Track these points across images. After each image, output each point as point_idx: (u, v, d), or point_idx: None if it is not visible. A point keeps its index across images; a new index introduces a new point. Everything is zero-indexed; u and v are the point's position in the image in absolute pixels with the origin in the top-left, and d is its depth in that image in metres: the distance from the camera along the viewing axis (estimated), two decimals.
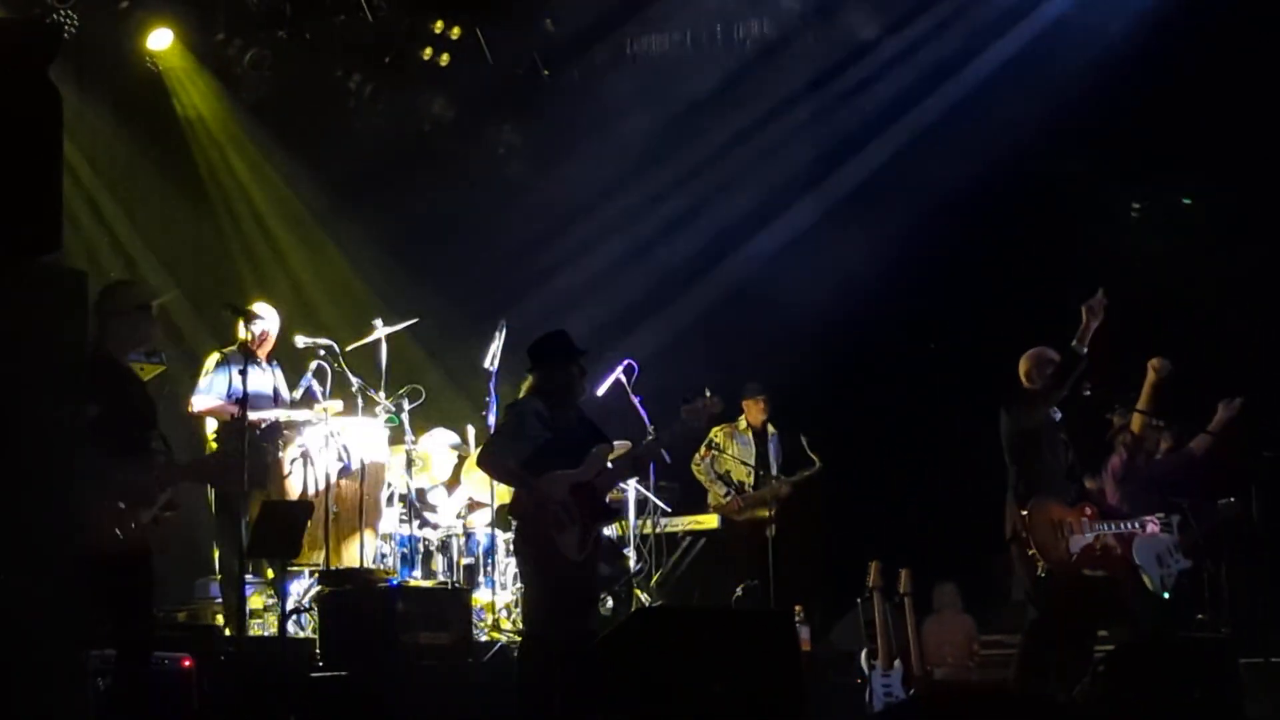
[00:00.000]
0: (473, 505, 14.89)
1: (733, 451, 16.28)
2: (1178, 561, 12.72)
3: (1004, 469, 12.03)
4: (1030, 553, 11.74)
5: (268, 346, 13.82)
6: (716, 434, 16.33)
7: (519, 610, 14.09)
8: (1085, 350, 11.78)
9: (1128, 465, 13.31)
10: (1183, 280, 16.58)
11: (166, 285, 15.49)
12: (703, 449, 16.25)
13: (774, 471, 16.30)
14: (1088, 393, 12.92)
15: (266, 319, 13.61)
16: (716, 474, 16.17)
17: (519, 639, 13.51)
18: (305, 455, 13.56)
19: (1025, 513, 11.77)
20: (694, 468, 16.31)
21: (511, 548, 12.50)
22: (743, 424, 16.45)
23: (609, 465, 11.48)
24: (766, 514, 15.84)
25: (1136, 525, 12.30)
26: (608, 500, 12.00)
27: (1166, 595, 12.70)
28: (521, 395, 11.46)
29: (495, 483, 13.58)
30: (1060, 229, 17.18)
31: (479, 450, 12.07)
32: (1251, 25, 16.27)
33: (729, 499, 16.06)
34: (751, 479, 16.20)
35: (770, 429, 16.48)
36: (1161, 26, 16.55)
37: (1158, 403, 13.22)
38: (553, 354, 11.40)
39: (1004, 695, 12.94)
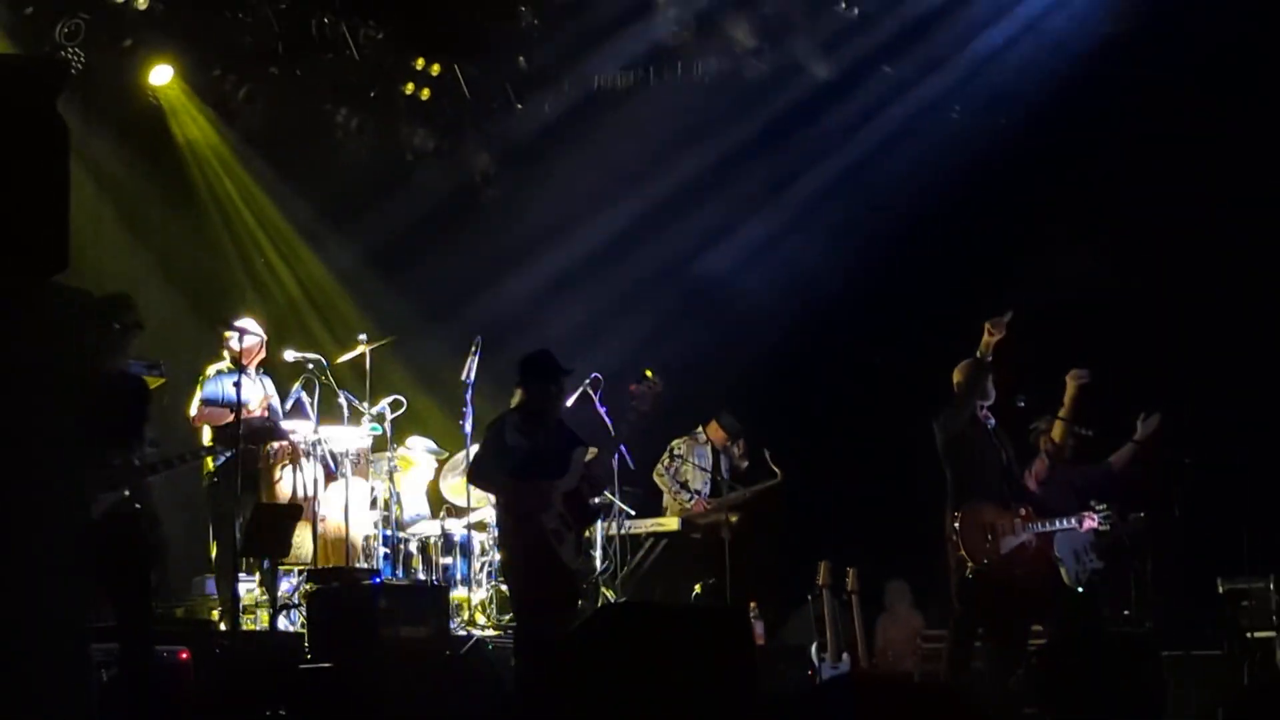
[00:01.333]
0: (450, 509, 14.91)
1: (692, 460, 16.29)
2: (1091, 560, 12.74)
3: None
4: (959, 554, 11.76)
5: (256, 357, 13.84)
6: (678, 444, 16.35)
7: (494, 606, 14.13)
8: (989, 359, 11.81)
9: (1049, 471, 13.30)
10: (1112, 295, 16.63)
11: (169, 302, 15.56)
12: (665, 458, 16.27)
13: (724, 485, 16.25)
14: (1022, 404, 12.96)
15: (252, 332, 13.63)
16: (678, 482, 16.17)
17: (496, 632, 13.58)
18: (295, 462, 13.57)
19: (956, 515, 11.79)
20: (656, 476, 16.31)
21: (497, 549, 12.43)
22: (703, 438, 16.44)
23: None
24: (727, 519, 15.86)
25: (1074, 521, 12.32)
26: (594, 502, 12.12)
27: (1080, 590, 12.72)
28: (512, 405, 11.55)
29: (472, 488, 13.65)
30: (999, 247, 17.22)
31: (469, 467, 12.06)
32: (1167, 63, 16.40)
33: (693, 503, 16.05)
34: (707, 487, 16.22)
35: (735, 449, 16.47)
36: (1097, 60, 16.65)
37: (1079, 411, 13.21)
38: (534, 372, 11.49)
39: (911, 685, 13.07)
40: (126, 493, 9.79)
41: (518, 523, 11.26)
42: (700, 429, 16.46)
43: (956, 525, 11.77)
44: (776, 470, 15.80)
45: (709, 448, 16.42)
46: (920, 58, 17.51)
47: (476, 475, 11.83)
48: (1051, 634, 12.55)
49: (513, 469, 11.19)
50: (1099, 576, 13.10)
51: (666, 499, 16.33)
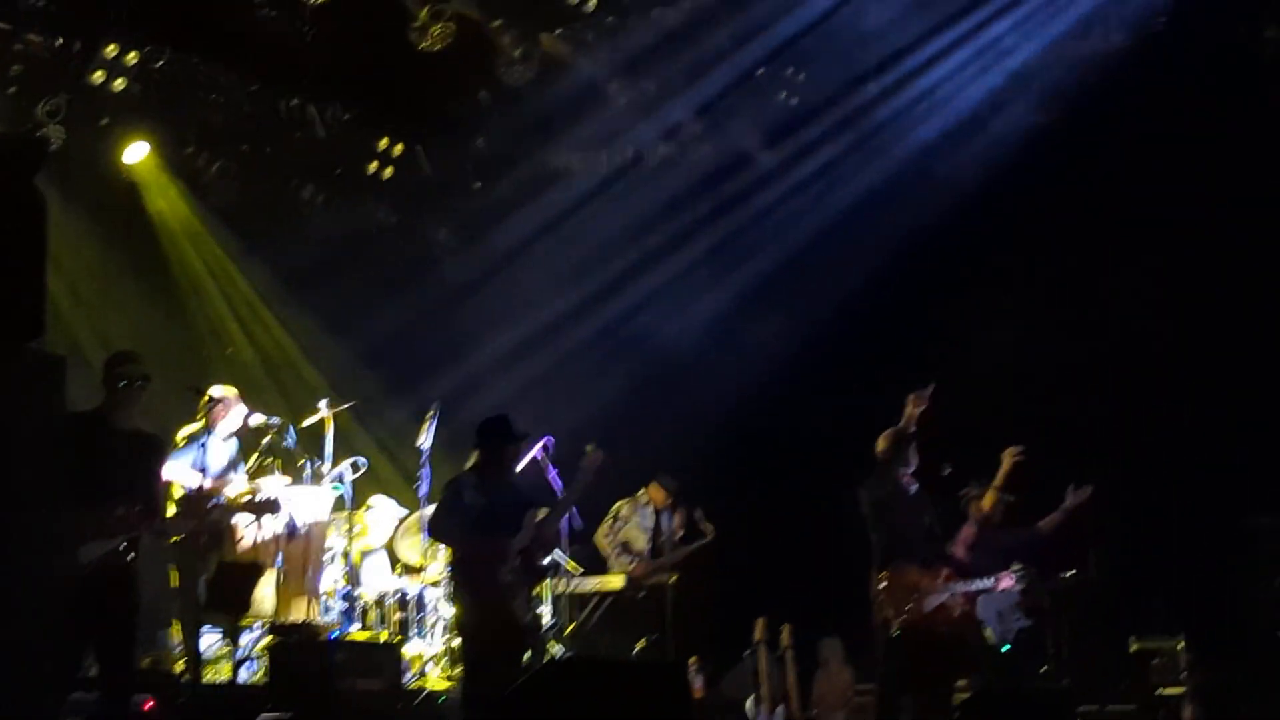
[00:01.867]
0: (407, 568, 14.98)
1: (634, 521, 16.38)
2: (1018, 620, 12.86)
3: None
4: (885, 613, 11.91)
5: (229, 424, 13.90)
6: (621, 507, 16.45)
7: (445, 661, 14.17)
8: (911, 430, 12.00)
9: (978, 536, 13.47)
10: (1036, 372, 16.85)
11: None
12: (609, 521, 16.37)
13: (667, 545, 16.36)
14: (948, 471, 13.13)
15: (226, 399, 13.72)
16: (620, 544, 16.26)
17: (446, 685, 13.61)
18: (257, 521, 13.61)
19: (882, 576, 11.94)
20: (598, 539, 16.39)
21: (453, 605, 12.43)
22: (644, 499, 16.53)
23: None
24: (670, 579, 15.98)
25: (992, 581, 12.46)
26: (543, 561, 12.23)
27: (1006, 648, 12.83)
28: (467, 466, 11.66)
29: (430, 545, 13.76)
30: (927, 322, 17.44)
31: (429, 522, 12.13)
32: (1087, 152, 16.71)
33: (633, 565, 16.14)
34: (649, 548, 16.30)
35: (668, 510, 16.55)
36: (1024, 149, 16.96)
37: (1011, 483, 13.41)
38: (492, 435, 11.61)
39: None
40: (123, 544, 9.85)
41: (472, 578, 11.34)
42: (642, 491, 16.56)
43: (882, 585, 11.92)
44: (708, 529, 15.90)
45: (650, 509, 16.51)
46: (857, 147, 17.74)
47: (434, 530, 11.89)
48: (974, 689, 12.66)
49: (470, 525, 11.28)
50: (1025, 635, 13.21)
51: (610, 561, 16.42)
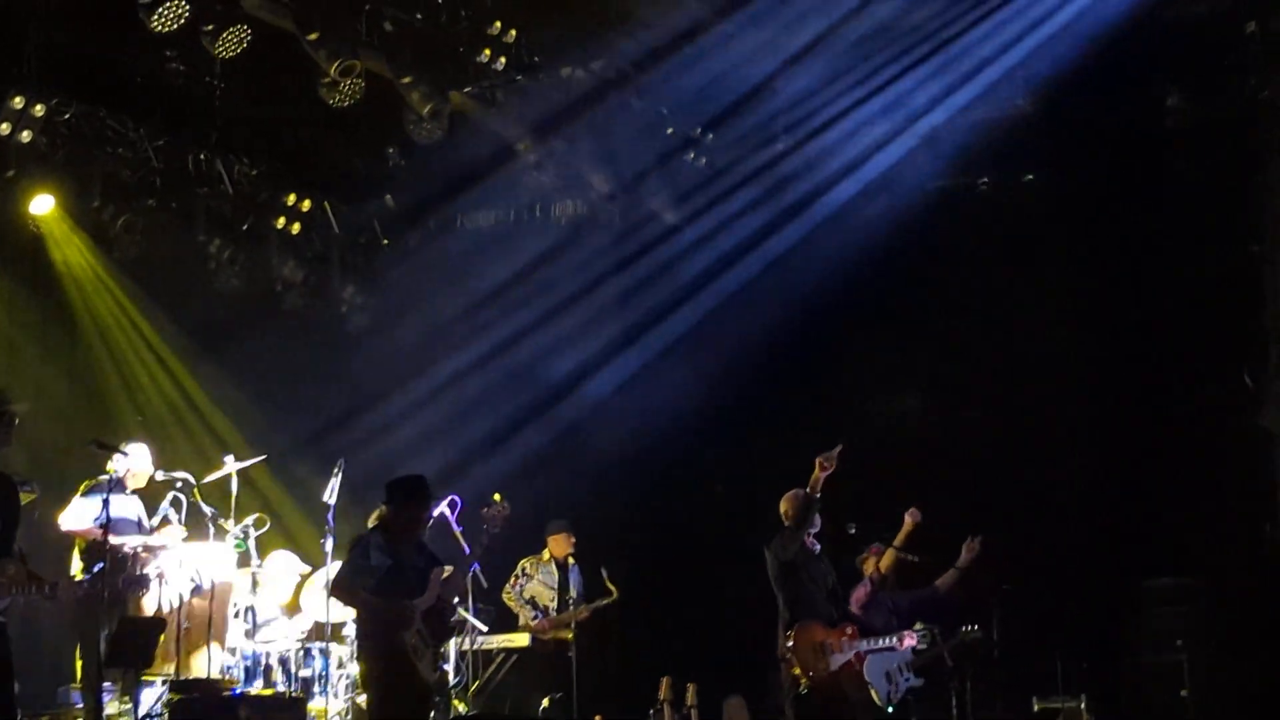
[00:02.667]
0: (312, 624, 14.87)
1: (539, 578, 16.32)
2: (907, 679, 12.87)
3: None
4: (794, 671, 11.93)
5: (137, 480, 13.76)
6: (525, 564, 16.38)
7: (350, 717, 14.04)
8: (817, 495, 12.03)
9: (871, 595, 13.54)
10: (938, 432, 16.96)
11: (44, 422, 15.41)
12: (512, 579, 16.28)
13: (571, 599, 16.32)
14: (853, 531, 13.18)
15: (134, 456, 13.60)
16: (524, 600, 16.19)
17: None
18: (160, 576, 13.47)
19: (789, 635, 11.96)
20: (505, 595, 16.30)
21: (358, 662, 12.24)
22: (547, 556, 16.44)
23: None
24: (569, 635, 15.91)
25: (895, 640, 12.51)
26: (451, 620, 12.14)
27: (890, 710, 12.84)
28: (370, 524, 11.55)
29: (334, 602, 13.62)
30: (830, 387, 17.53)
31: (332, 581, 11.96)
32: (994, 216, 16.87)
33: (536, 621, 16.06)
34: (555, 604, 16.23)
35: (571, 560, 16.48)
36: (931, 212, 17.11)
37: (911, 544, 13.50)
38: (403, 494, 11.49)
39: None
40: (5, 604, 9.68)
41: (378, 638, 11.22)
42: (544, 549, 16.49)
43: (790, 644, 11.93)
44: (612, 589, 15.84)
45: (554, 565, 16.44)
46: (765, 205, 17.81)
47: (339, 589, 11.75)
48: None
49: (376, 586, 11.17)
50: (915, 695, 13.22)
51: (520, 618, 16.33)
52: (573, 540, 16.47)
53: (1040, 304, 16.77)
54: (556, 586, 16.33)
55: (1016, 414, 16.63)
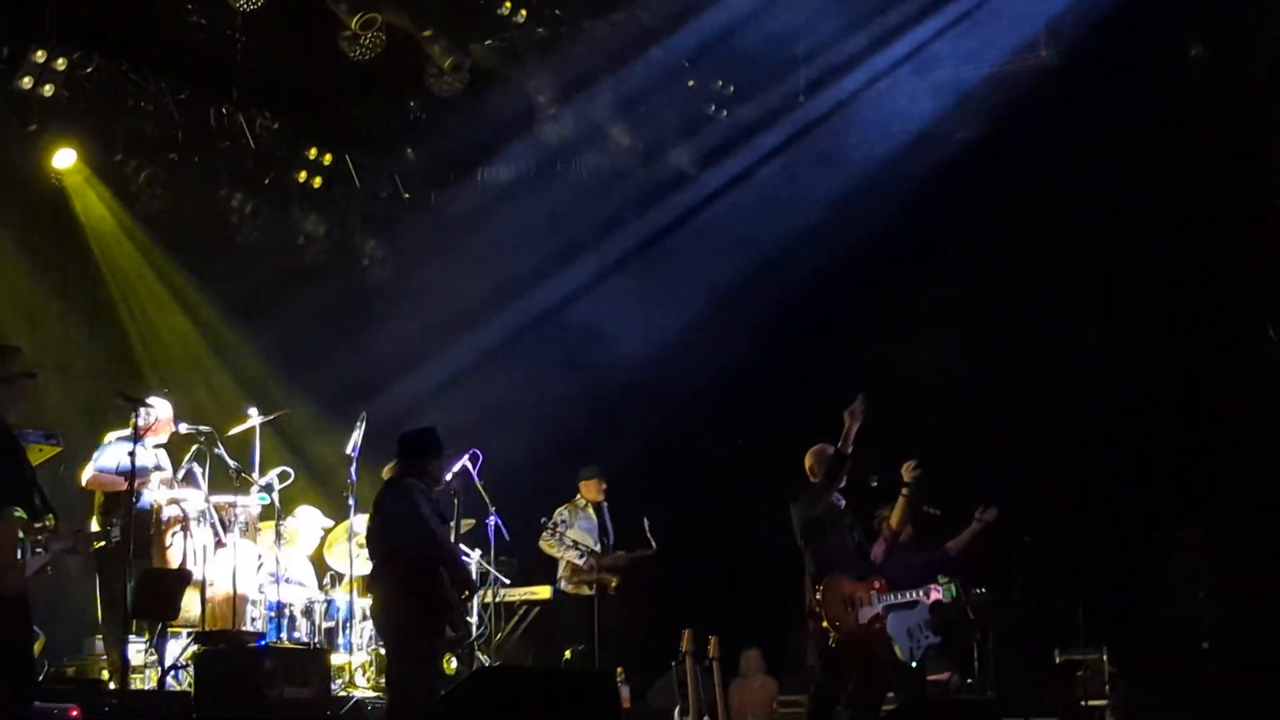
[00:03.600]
0: (334, 575, 14.87)
1: (579, 524, 16.28)
2: (927, 637, 12.80)
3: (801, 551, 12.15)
4: (824, 625, 11.87)
5: (160, 433, 13.73)
6: (562, 511, 16.33)
7: (373, 669, 14.05)
8: (849, 450, 11.94)
9: (885, 556, 13.44)
10: (961, 385, 16.86)
11: (68, 374, 15.43)
12: (550, 528, 16.18)
13: (611, 541, 16.32)
14: (874, 484, 13.10)
15: (157, 408, 13.55)
16: (567, 543, 16.05)
17: (373, 695, 13.48)
18: (184, 528, 13.46)
19: (818, 588, 11.90)
20: (543, 544, 16.20)
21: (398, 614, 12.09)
22: (582, 501, 16.44)
23: None
24: (611, 581, 15.92)
25: (920, 593, 12.46)
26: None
27: (914, 664, 12.79)
28: (389, 477, 11.49)
29: (357, 555, 13.67)
30: (853, 339, 17.46)
31: (423, 534, 11.74)
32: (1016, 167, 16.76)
33: (584, 560, 15.97)
34: (598, 548, 16.20)
35: (605, 504, 16.48)
36: (955, 163, 17.00)
37: (918, 491, 13.37)
38: (425, 447, 11.45)
39: None
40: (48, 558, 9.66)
41: (429, 592, 11.25)
42: (577, 495, 16.47)
43: (819, 597, 11.87)
44: (651, 541, 15.80)
45: (590, 509, 16.42)
46: (787, 159, 17.72)
47: (441, 543, 11.55)
48: (899, 701, 12.63)
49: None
50: (934, 651, 13.18)
51: (561, 563, 16.29)
52: (604, 486, 16.46)
53: (1062, 256, 16.66)
54: (596, 531, 16.32)
55: (1039, 366, 16.53)
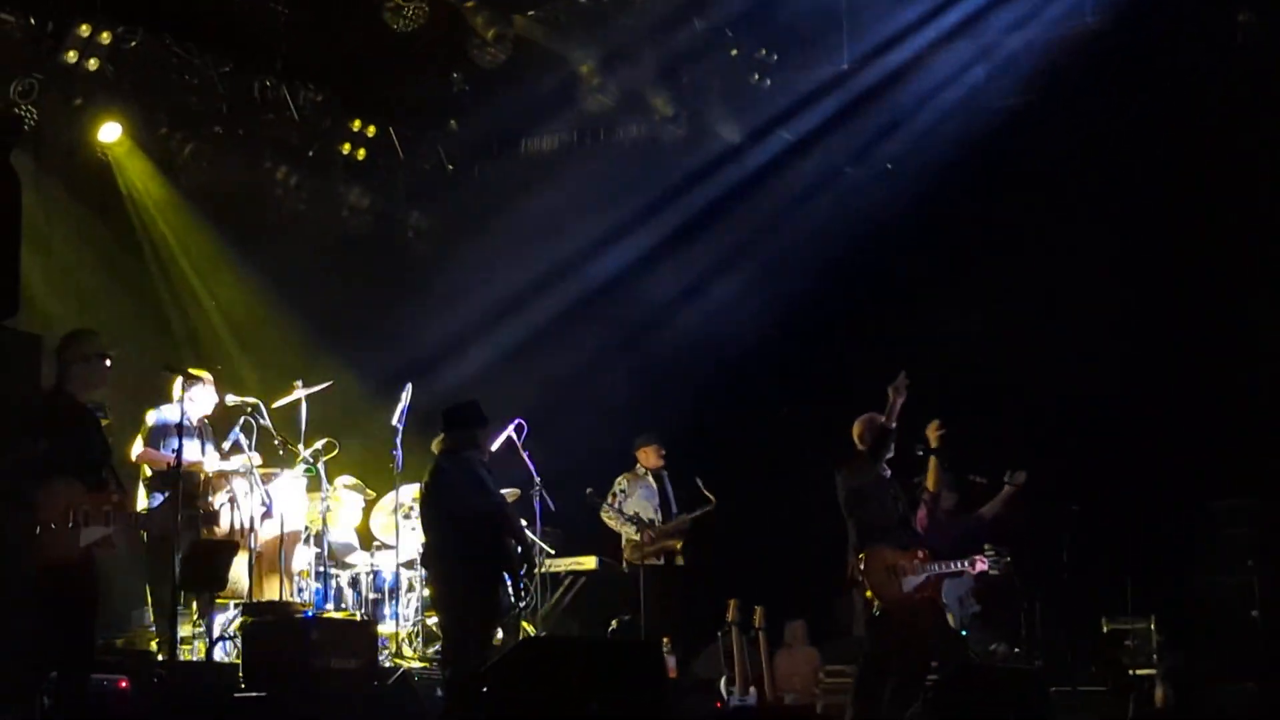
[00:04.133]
0: (380, 547, 14.88)
1: (639, 493, 16.28)
2: (971, 605, 12.77)
3: (844, 521, 12.10)
4: (867, 594, 11.83)
5: (202, 407, 13.75)
6: (621, 481, 16.33)
7: (419, 640, 14.08)
8: (894, 425, 11.93)
9: (927, 524, 13.40)
10: (1007, 354, 16.76)
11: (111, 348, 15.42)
12: (610, 497, 16.20)
13: (674, 508, 16.31)
14: (920, 453, 13.06)
15: (203, 382, 13.59)
16: (626, 516, 16.07)
17: (420, 665, 13.51)
18: (232, 500, 13.49)
19: (862, 558, 11.85)
20: (603, 515, 16.21)
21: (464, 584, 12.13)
22: (641, 470, 16.42)
23: None
24: (677, 545, 15.93)
25: (966, 564, 12.40)
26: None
27: (964, 632, 12.77)
28: (443, 449, 11.53)
29: (402, 526, 13.72)
30: (895, 306, 17.38)
31: (490, 505, 11.86)
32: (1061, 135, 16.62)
33: (641, 534, 15.98)
34: (659, 516, 16.19)
35: (664, 471, 16.47)
36: (997, 131, 16.84)
37: (942, 454, 13.34)
38: (473, 419, 11.54)
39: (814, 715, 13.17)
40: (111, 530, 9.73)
41: (502, 549, 11.47)
42: (636, 464, 16.46)
43: (863, 566, 11.83)
44: (709, 496, 15.79)
45: (650, 477, 16.41)
46: (831, 126, 17.63)
47: (507, 514, 11.96)
48: (946, 669, 12.58)
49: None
50: (979, 620, 13.16)
51: (623, 537, 16.29)
52: (663, 452, 16.44)
53: (1107, 223, 16.53)
54: (657, 498, 16.31)
55: (1084, 334, 16.40)
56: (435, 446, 11.88)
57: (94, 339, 10.55)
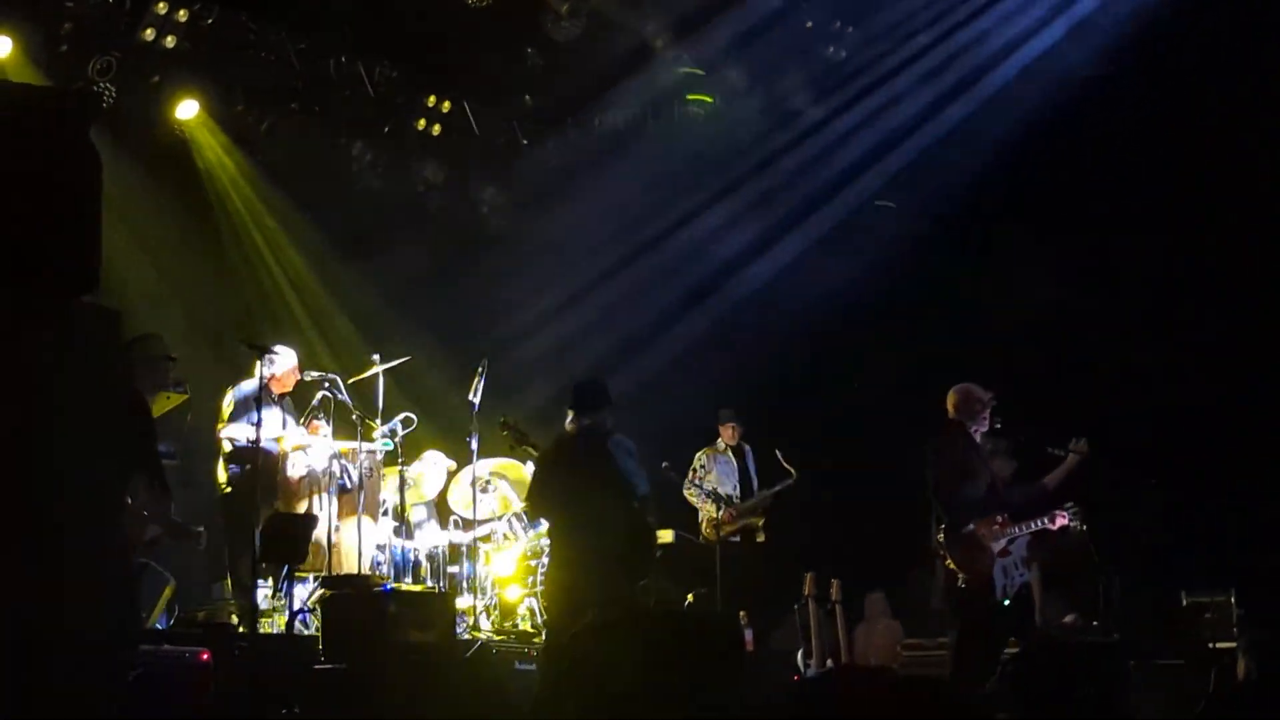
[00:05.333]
0: (458, 521, 14.94)
1: (717, 470, 16.31)
2: (1021, 574, 12.58)
3: (922, 489, 12.01)
4: (949, 566, 11.74)
5: (285, 382, 13.85)
6: (701, 457, 16.39)
7: (496, 612, 14.14)
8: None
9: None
10: (1088, 324, 16.61)
11: (189, 324, 15.57)
12: (690, 473, 16.25)
13: (755, 484, 16.31)
14: (999, 426, 12.96)
15: (283, 356, 13.68)
16: (705, 493, 16.11)
17: (498, 638, 13.56)
18: (310, 474, 13.57)
19: (949, 530, 11.75)
20: (685, 493, 16.25)
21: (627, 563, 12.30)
22: (721, 445, 16.45)
23: None
24: (758, 522, 15.94)
25: (1046, 520, 12.22)
26: None
27: (1006, 603, 12.60)
28: (586, 428, 11.72)
29: (476, 499, 13.78)
30: (973, 278, 17.24)
31: (640, 483, 12.04)
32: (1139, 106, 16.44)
33: (722, 512, 15.99)
34: (738, 492, 16.20)
35: (745, 446, 16.47)
36: (1079, 99, 16.66)
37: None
38: (606, 400, 11.79)
39: (896, 676, 13.06)
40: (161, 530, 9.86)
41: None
42: (718, 440, 16.48)
43: (944, 539, 11.74)
44: (790, 469, 15.77)
45: (729, 453, 16.43)
46: (905, 101, 17.53)
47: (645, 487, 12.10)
48: (1024, 643, 12.49)
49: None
50: (1026, 590, 13.01)
51: (701, 513, 16.31)
52: (739, 430, 16.44)
53: (1185, 195, 16.35)
54: (736, 474, 16.31)
55: (1165, 305, 16.24)
56: (569, 426, 11.87)
57: (160, 342, 10.72)
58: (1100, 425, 13.93)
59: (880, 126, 17.75)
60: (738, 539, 16.06)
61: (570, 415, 11.80)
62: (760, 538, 16.00)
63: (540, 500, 12.27)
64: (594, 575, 11.89)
